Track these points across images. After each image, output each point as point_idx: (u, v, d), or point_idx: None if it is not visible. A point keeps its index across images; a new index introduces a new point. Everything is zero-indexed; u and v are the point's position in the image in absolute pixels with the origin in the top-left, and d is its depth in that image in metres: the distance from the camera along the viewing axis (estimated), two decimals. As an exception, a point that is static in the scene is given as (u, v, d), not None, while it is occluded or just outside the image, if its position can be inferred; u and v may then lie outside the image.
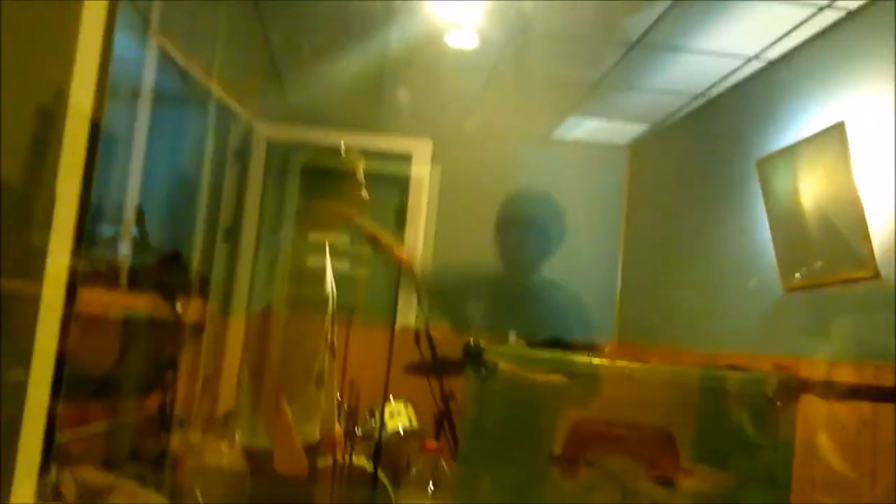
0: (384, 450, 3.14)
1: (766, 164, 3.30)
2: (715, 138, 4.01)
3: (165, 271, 3.28)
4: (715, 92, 3.87)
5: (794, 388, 1.29)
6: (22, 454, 1.11)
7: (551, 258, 2.54)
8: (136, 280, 3.09)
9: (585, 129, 4.68)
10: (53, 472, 1.19)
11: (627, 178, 4.94)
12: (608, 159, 4.93)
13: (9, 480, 1.10)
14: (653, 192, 4.72)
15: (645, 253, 4.69)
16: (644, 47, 3.43)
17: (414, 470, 1.30)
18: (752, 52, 3.35)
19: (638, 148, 4.89)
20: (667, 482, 1.28)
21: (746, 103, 3.68)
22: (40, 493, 1.14)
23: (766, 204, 3.29)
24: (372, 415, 3.64)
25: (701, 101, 4.02)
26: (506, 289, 2.54)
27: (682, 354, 3.78)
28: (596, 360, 1.38)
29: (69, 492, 1.40)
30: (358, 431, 3.49)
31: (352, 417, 3.42)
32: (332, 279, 2.57)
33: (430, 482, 1.26)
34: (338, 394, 2.86)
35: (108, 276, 2.89)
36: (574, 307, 2.57)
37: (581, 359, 1.38)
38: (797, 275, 3.05)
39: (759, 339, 3.30)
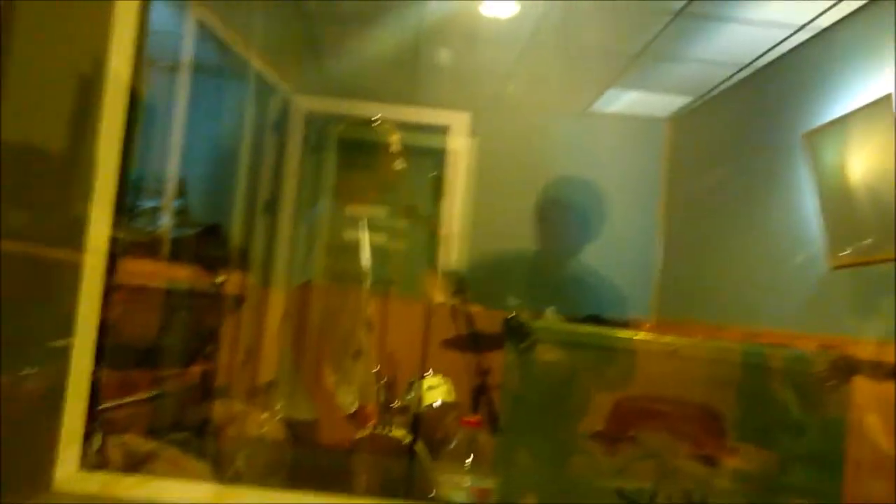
0: (422, 423, 3.16)
1: (814, 137, 3.20)
2: (760, 110, 3.90)
3: (205, 243, 3.31)
4: (761, 63, 3.76)
5: (846, 367, 1.25)
6: (67, 419, 1.13)
7: (590, 244, 2.51)
8: (178, 252, 3.12)
9: (625, 101, 4.59)
10: (98, 437, 1.21)
11: (668, 152, 4.84)
12: (648, 132, 4.84)
13: (55, 445, 1.12)
14: (694, 167, 4.63)
15: (685, 228, 4.61)
16: (688, 17, 3.34)
17: (453, 443, 1.30)
18: (800, 21, 3.24)
19: (679, 121, 4.78)
20: (711, 461, 1.26)
21: (794, 74, 3.56)
22: (85, 459, 1.16)
23: (814, 178, 3.19)
24: (409, 389, 3.65)
25: (746, 72, 3.91)
26: (542, 274, 2.53)
27: (723, 332, 3.72)
28: (640, 335, 1.35)
29: (115, 457, 1.43)
30: (396, 404, 3.51)
31: (390, 391, 3.43)
32: (369, 252, 2.57)
33: (470, 455, 1.26)
34: (376, 367, 2.87)
35: (150, 248, 2.92)
36: (610, 293, 2.55)
37: (624, 333, 1.36)
38: (845, 252, 2.97)
39: (804, 316, 3.23)
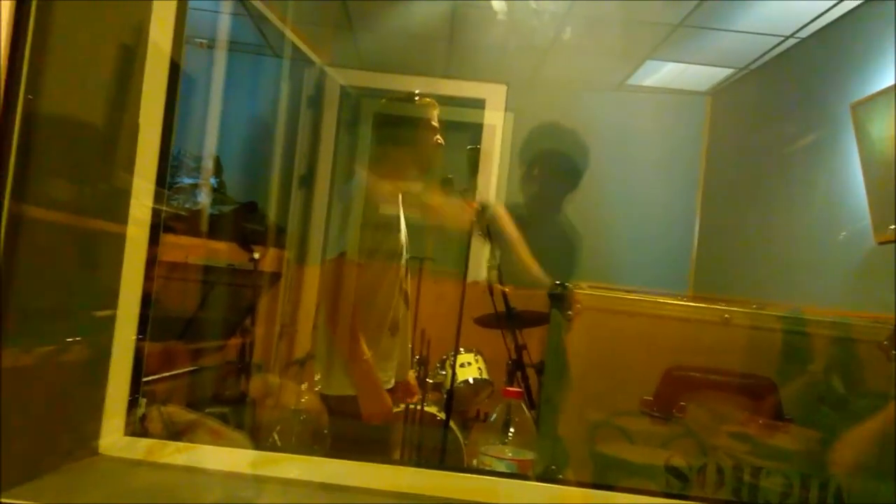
0: (455, 399, 3.16)
1: (862, 108, 3.10)
2: (804, 82, 3.79)
3: (243, 220, 3.33)
4: (806, 32, 3.65)
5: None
6: (111, 387, 1.14)
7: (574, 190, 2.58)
8: (215, 229, 3.16)
9: (664, 74, 4.49)
10: (142, 406, 1.23)
11: (708, 127, 4.74)
12: (688, 106, 4.74)
13: (101, 412, 1.14)
14: (734, 141, 4.53)
15: (725, 204, 4.52)
16: (730, -15, 3.25)
17: (493, 415, 1.29)
18: (848, -12, 3.14)
19: (719, 94, 4.68)
20: (763, 434, 1.23)
21: (841, 43, 3.45)
22: (129, 427, 1.18)
23: (861, 150, 3.10)
24: (442, 365, 3.66)
25: (790, 42, 3.80)
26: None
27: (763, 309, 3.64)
28: (691, 303, 1.32)
29: (156, 427, 1.45)
30: (430, 380, 3.53)
31: (424, 366, 3.45)
32: (405, 227, 2.56)
33: (511, 428, 1.25)
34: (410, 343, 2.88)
35: (189, 225, 2.96)
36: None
37: (676, 301, 1.33)
38: (892, 226, 2.89)
39: (848, 294, 3.15)
